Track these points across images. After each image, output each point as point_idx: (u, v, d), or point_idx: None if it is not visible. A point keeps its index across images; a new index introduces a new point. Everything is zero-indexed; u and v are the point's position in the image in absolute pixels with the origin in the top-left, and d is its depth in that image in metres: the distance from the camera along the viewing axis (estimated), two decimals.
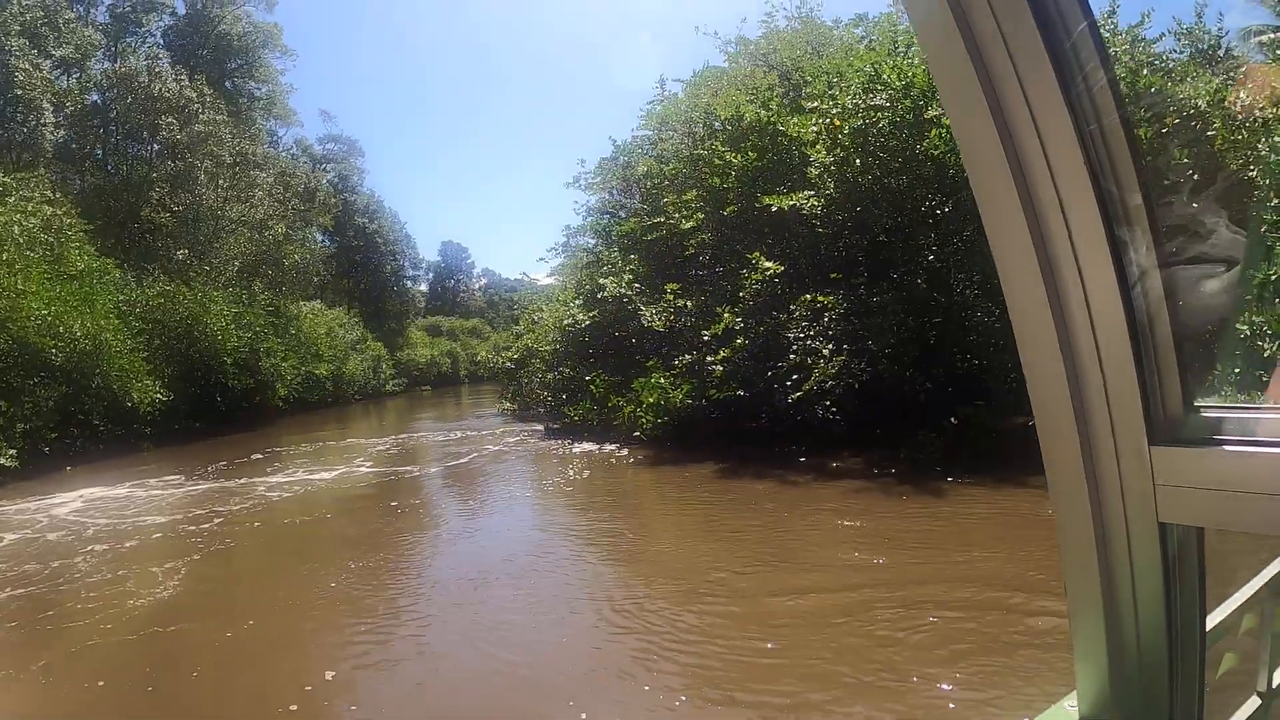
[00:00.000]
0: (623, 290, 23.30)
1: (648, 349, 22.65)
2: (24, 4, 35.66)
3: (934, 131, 16.83)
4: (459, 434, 28.79)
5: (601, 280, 24.29)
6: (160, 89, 39.19)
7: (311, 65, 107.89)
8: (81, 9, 44.11)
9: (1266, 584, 1.80)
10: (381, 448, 25.51)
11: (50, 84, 36.41)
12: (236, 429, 30.84)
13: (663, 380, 20.53)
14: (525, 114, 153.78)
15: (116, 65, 40.80)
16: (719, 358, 19.14)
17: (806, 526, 12.43)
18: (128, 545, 12.94)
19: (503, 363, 34.04)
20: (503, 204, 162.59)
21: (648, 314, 22.08)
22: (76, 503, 16.82)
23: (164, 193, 38.25)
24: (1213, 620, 1.53)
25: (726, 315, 19.22)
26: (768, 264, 19.08)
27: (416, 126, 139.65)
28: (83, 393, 23.51)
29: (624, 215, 26.48)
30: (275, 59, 54.96)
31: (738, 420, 19.10)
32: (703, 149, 22.20)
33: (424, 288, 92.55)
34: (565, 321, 25.87)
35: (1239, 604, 1.70)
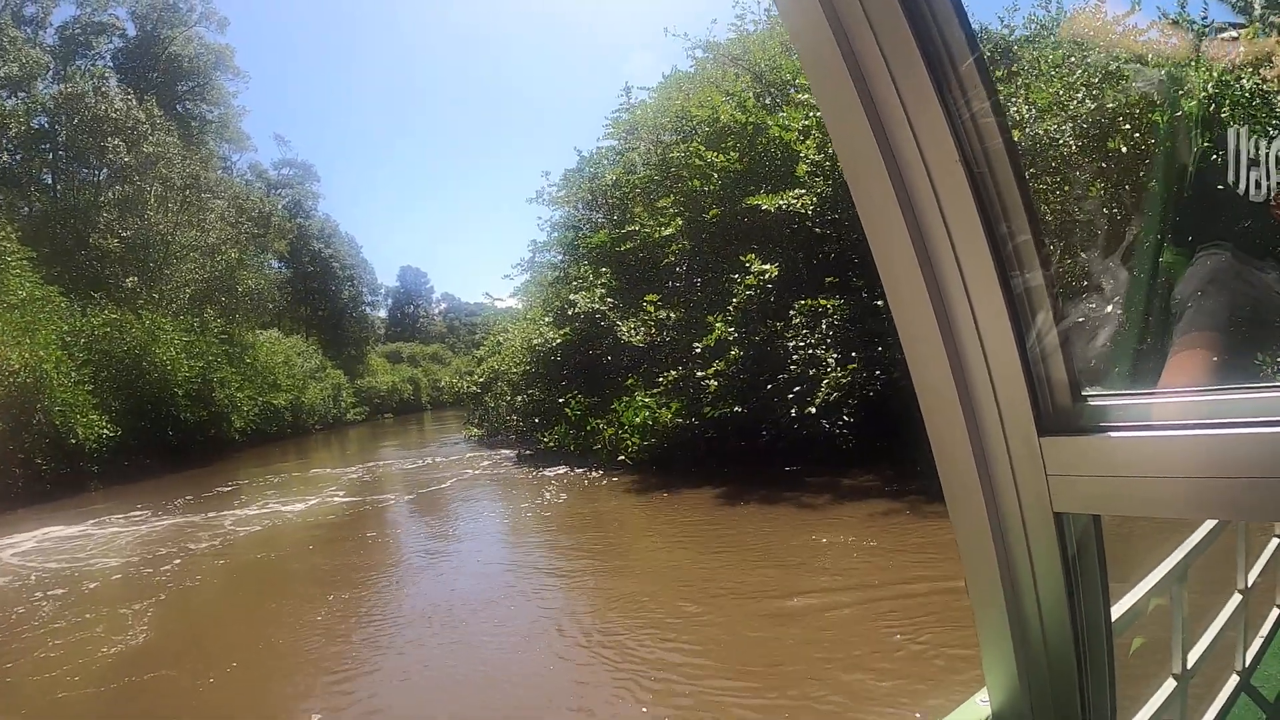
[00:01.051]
0: (595, 305, 22.06)
1: (625, 367, 21.50)
2: None
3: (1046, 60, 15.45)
4: (426, 461, 27.75)
5: (572, 296, 23.03)
6: (107, 109, 37.64)
7: (265, 90, 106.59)
8: (29, 31, 42.67)
9: (1172, 569, 1.97)
10: (346, 479, 24.42)
11: None
12: (191, 464, 29.36)
13: (648, 399, 19.40)
14: (482, 135, 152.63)
15: (63, 87, 39.09)
16: (711, 371, 17.93)
17: (839, 558, 11.22)
18: (89, 588, 12.42)
19: (467, 387, 32.81)
20: (461, 228, 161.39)
21: (625, 329, 20.96)
22: (26, 545, 15.99)
23: (112, 218, 36.68)
24: (1121, 608, 1.67)
25: (719, 325, 18.05)
26: (763, 266, 17.92)
27: (372, 151, 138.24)
28: (22, 430, 21.97)
29: (591, 229, 25.42)
30: (228, 81, 53.94)
31: (735, 439, 17.93)
32: (678, 151, 21.19)
33: (383, 314, 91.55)
34: (535, 341, 24.42)
35: (1147, 590, 1.83)
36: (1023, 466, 1.17)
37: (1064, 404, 1.16)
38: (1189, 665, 2.16)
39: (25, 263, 27.75)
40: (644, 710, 6.90)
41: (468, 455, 27.97)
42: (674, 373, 19.06)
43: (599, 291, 22.54)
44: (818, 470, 15.99)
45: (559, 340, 23.24)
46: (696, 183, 20.38)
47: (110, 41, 48.55)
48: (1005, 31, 14.77)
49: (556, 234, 28.40)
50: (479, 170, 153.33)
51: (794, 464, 16.68)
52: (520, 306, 34.56)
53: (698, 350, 18.36)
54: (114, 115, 37.84)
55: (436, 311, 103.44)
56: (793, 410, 16.36)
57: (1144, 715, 1.98)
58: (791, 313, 17.34)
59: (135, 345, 29.51)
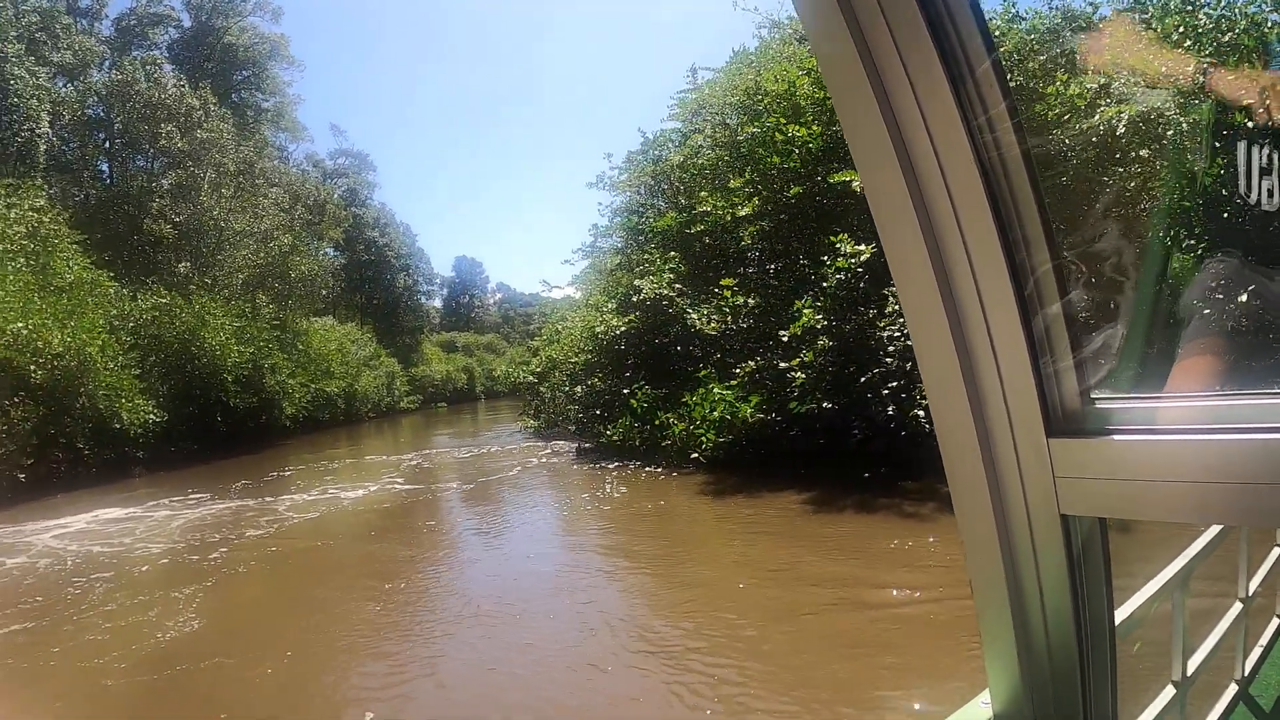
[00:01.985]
0: (662, 291, 20.74)
1: (696, 357, 20.16)
2: (20, 8, 34.21)
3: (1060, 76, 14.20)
4: (481, 451, 27.11)
5: (637, 282, 21.64)
6: (160, 95, 37.43)
7: (321, 79, 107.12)
8: (86, 22, 42.81)
9: (1175, 575, 2.02)
10: (401, 467, 23.86)
11: (47, 91, 34.80)
12: (240, 451, 28.85)
13: (725, 392, 17.88)
14: (541, 125, 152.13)
15: (116, 74, 39.04)
16: (796, 362, 16.31)
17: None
18: (139, 571, 12.36)
19: (523, 376, 31.58)
20: (517, 219, 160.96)
21: (696, 316, 19.57)
22: (74, 528, 15.86)
23: (165, 204, 36.48)
24: (1124, 613, 1.66)
25: (806, 312, 16.42)
26: (858, 247, 16.03)
27: (428, 141, 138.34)
28: (65, 413, 21.51)
29: (655, 214, 24.05)
30: (282, 70, 53.78)
31: (822, 437, 16.27)
32: (754, 127, 19.67)
33: (438, 303, 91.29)
34: (598, 328, 22.94)
35: (1149, 595, 1.85)
36: (1030, 467, 1.17)
37: (1073, 406, 1.16)
38: (1189, 672, 2.16)
39: (75, 246, 27.46)
40: None
41: (524, 446, 27.15)
42: (752, 364, 17.66)
43: (666, 277, 21.20)
44: (916, 475, 13.95)
45: (623, 328, 21.77)
46: (776, 159, 18.84)
47: (165, 33, 48.82)
48: (1022, 33, 13.94)
49: (618, 219, 27.14)
50: (536, 159, 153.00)
51: (888, 467, 14.86)
52: (579, 295, 33.58)
53: (784, 339, 16.75)
54: (167, 101, 37.61)
55: (491, 301, 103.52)
56: (889, 408, 14.77)
57: None
58: (889, 296, 15.38)
59: (184, 330, 29.00)
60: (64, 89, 38.15)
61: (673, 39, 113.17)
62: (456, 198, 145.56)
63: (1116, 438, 1.12)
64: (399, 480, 21.11)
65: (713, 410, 17.73)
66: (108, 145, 40.21)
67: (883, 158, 1.09)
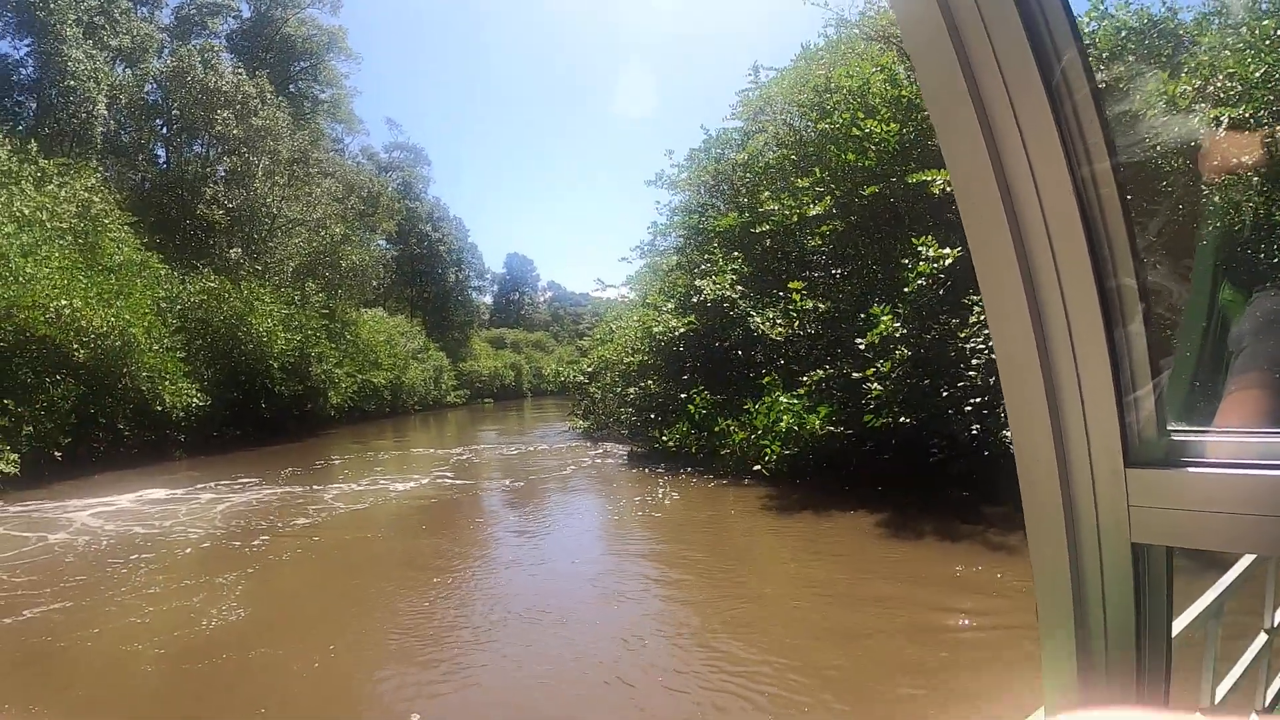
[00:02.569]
0: (724, 292, 19.65)
1: (759, 362, 19.04)
2: None
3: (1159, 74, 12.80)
4: (529, 450, 26.42)
5: (698, 282, 20.55)
6: (216, 82, 37.33)
7: (378, 72, 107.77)
8: (146, 10, 43.01)
9: (1211, 604, 1.97)
10: (447, 462, 23.19)
11: (106, 74, 34.86)
12: (283, 438, 28.53)
13: (791, 401, 16.67)
14: (596, 125, 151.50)
15: (173, 60, 39.07)
16: (871, 372, 14.96)
17: None
18: (182, 554, 12.22)
19: (574, 376, 30.50)
20: (570, 218, 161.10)
21: (762, 320, 18.41)
22: (113, 508, 15.78)
23: (218, 189, 36.33)
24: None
25: (885, 319, 15.00)
26: (943, 250, 14.50)
27: (483, 136, 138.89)
28: (107, 393, 21.10)
29: (716, 214, 22.97)
30: (340, 63, 53.59)
31: (897, 454, 14.91)
32: (827, 124, 18.45)
33: (489, 299, 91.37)
34: (656, 329, 21.76)
35: (1186, 624, 1.84)
36: (1106, 496, 1.19)
37: (1150, 436, 1.18)
38: (1217, 700, 2.15)
39: (126, 228, 27.27)
40: None
41: (572, 446, 26.46)
42: (820, 372, 16.47)
43: (729, 278, 20.10)
44: (1000, 499, 12.47)
45: (683, 329, 20.71)
46: (851, 156, 17.54)
47: (225, 22, 48.88)
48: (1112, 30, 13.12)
49: (677, 217, 26.16)
50: (593, 158, 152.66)
51: (969, 489, 13.54)
52: (633, 295, 32.75)
53: (861, 346, 15.39)
54: (224, 88, 37.51)
55: (541, 299, 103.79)
56: (973, 426, 13.36)
57: None
58: (974, 303, 13.69)
59: (232, 315, 28.63)
60: (122, 74, 38.28)
61: (736, 35, 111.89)
62: (510, 194, 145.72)
63: (1190, 469, 1.15)
64: (447, 474, 20.53)
65: (779, 420, 16.48)
66: (164, 130, 40.35)
67: (984, 183, 1.12)
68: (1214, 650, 2.06)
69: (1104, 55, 12.57)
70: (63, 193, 24.14)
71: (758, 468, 16.67)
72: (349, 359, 37.97)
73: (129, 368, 21.65)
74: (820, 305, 17.67)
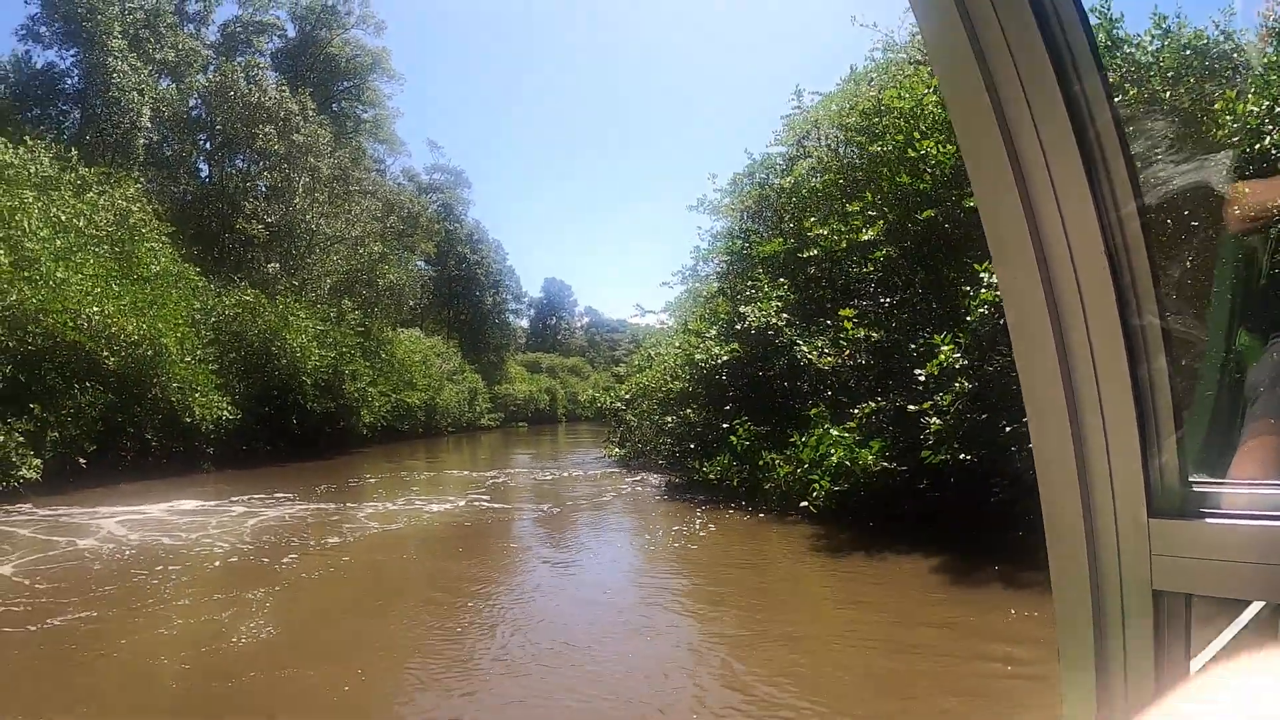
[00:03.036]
0: (770, 319, 18.66)
1: (805, 393, 18.09)
2: (126, 4, 34.64)
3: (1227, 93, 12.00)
4: (563, 476, 25.76)
5: (742, 309, 19.57)
6: (259, 97, 37.45)
7: (420, 92, 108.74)
8: (193, 27, 43.52)
9: (1223, 649, 1.84)
10: (483, 485, 22.59)
11: (150, 86, 35.11)
12: (313, 455, 27.95)
13: (842, 434, 15.61)
14: (637, 151, 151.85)
15: (217, 75, 39.34)
16: (928, 405, 13.91)
17: None
18: (211, 568, 11.98)
19: (610, 402, 29.48)
20: (608, 244, 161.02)
21: (809, 349, 17.31)
22: (146, 517, 15.60)
23: (258, 204, 36.29)
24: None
25: (945, 348, 13.93)
26: None
27: (525, 160, 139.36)
28: (136, 402, 20.70)
29: (759, 239, 22.10)
30: (383, 83, 53.85)
31: (957, 492, 13.80)
32: (880, 145, 17.59)
33: (525, 323, 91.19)
34: (698, 356, 20.68)
35: (1207, 659, 1.70)
36: (1129, 545, 1.21)
37: (1172, 486, 1.19)
38: None
39: (165, 239, 27.07)
40: None
41: (607, 473, 25.72)
42: (872, 404, 15.47)
43: (774, 305, 19.09)
44: None
45: (725, 356, 19.72)
46: (905, 178, 16.65)
47: (270, 41, 49.53)
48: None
49: (720, 243, 25.25)
50: (632, 183, 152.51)
51: (1029, 531, 12.33)
52: (672, 321, 32.05)
53: (921, 377, 14.24)
54: (267, 104, 37.63)
55: (578, 324, 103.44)
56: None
57: None
58: None
59: (266, 329, 28.26)
60: (166, 87, 38.60)
61: (777, 59, 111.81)
62: (549, 219, 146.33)
63: (1210, 520, 1.17)
64: (482, 497, 20.02)
65: (828, 454, 15.38)
66: (207, 145, 40.58)
67: (1016, 229, 1.15)
68: None
69: (1168, 75, 11.97)
70: (101, 200, 23.96)
71: (804, 504, 15.57)
72: (383, 378, 37.59)
73: (159, 378, 21.27)
74: (873, 334, 16.69)
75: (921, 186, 16.28)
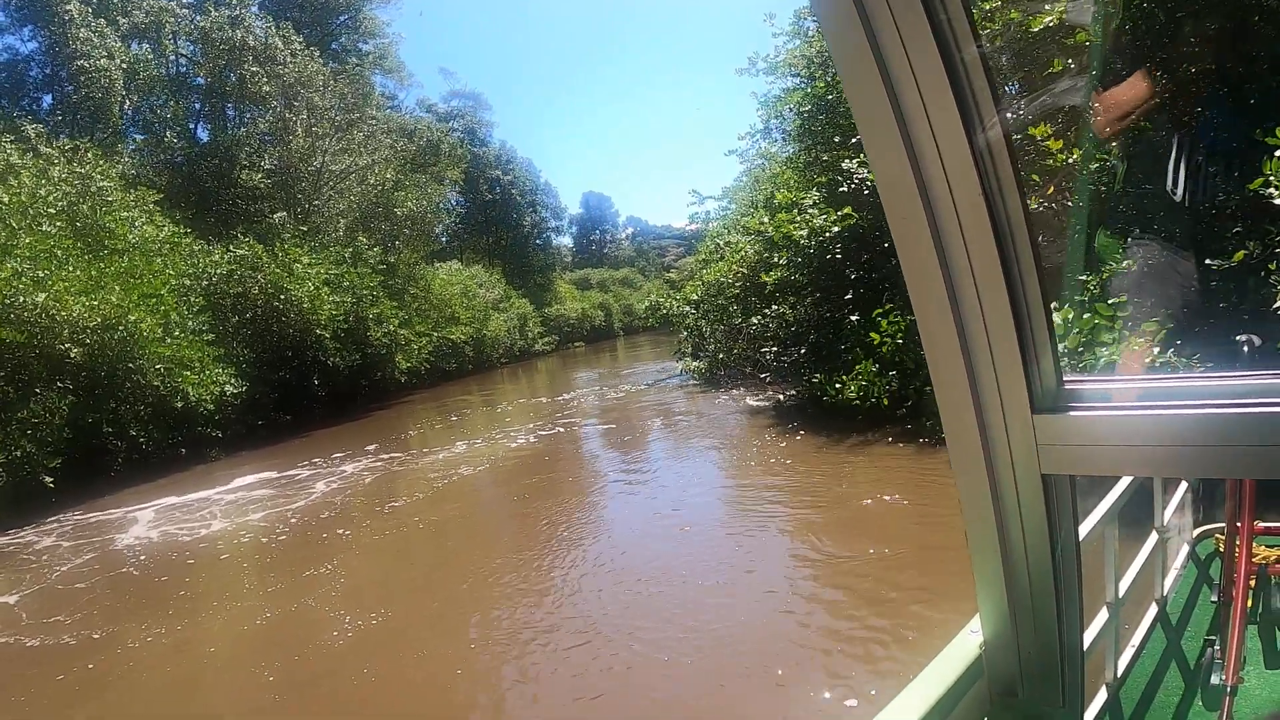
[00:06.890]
0: None
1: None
2: None
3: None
4: (632, 396, 23.83)
5: (845, 164, 15.31)
6: (243, 37, 33.78)
7: (429, 24, 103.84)
8: None
9: (1106, 513, 2.38)
10: (547, 418, 20.73)
11: (121, 50, 31.82)
12: (342, 417, 25.12)
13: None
14: (661, 43, 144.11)
15: (200, 20, 35.66)
16: None
17: None
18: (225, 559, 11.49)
19: (676, 308, 24.54)
20: (645, 148, 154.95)
21: None
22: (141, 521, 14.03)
23: (253, 150, 32.99)
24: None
25: None
26: None
27: (544, 74, 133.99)
28: (109, 398, 17.94)
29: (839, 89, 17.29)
30: (380, 9, 49.41)
31: None
32: None
33: (568, 241, 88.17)
34: (798, 233, 16.21)
35: (1087, 532, 2.18)
36: (1017, 438, 1.40)
37: (1050, 386, 1.39)
38: (1120, 594, 2.55)
39: (153, 205, 24.29)
40: None
41: (688, 391, 22.95)
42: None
43: None
44: None
45: (838, 228, 15.43)
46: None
47: None
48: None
49: (790, 95, 20.31)
50: (659, 80, 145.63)
51: None
52: (735, 208, 28.38)
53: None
54: (252, 44, 34.01)
55: (624, 236, 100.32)
56: None
57: (1085, 640, 2.03)
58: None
59: (267, 284, 25.17)
60: (141, 49, 35.26)
61: None
62: (578, 132, 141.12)
63: (1085, 412, 1.36)
64: (547, 429, 19.17)
65: None
66: (197, 105, 37.31)
67: (901, 175, 1.24)
68: (1113, 550, 2.47)
69: None
70: (54, 172, 20.82)
71: None
72: (418, 317, 34.71)
73: (136, 361, 18.33)
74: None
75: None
